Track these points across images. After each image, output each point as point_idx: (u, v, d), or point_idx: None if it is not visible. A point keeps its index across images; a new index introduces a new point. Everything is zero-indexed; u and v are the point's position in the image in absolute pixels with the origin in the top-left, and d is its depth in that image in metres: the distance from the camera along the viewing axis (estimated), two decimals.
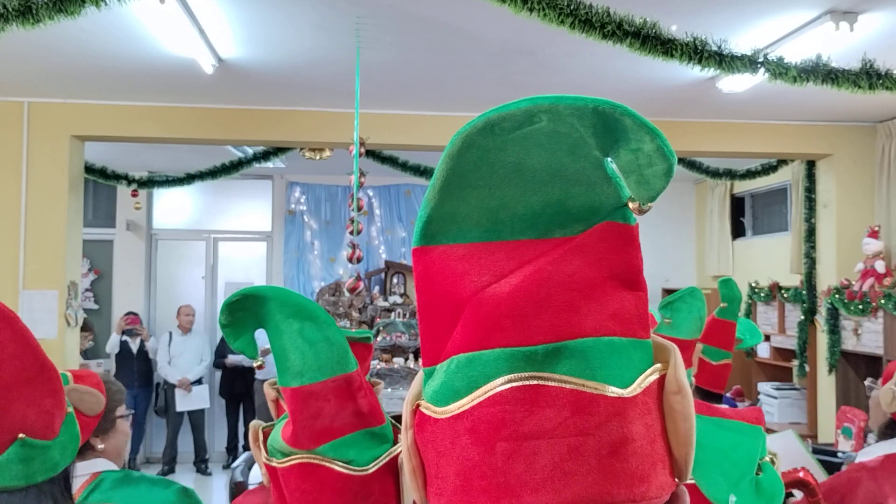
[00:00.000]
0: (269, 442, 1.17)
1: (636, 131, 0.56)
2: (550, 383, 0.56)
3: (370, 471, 1.12)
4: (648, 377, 0.59)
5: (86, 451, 1.82)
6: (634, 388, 0.58)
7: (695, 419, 0.61)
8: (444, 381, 0.60)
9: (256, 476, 3.59)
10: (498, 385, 0.57)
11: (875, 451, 1.96)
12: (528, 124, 0.57)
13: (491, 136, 0.58)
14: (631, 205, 0.59)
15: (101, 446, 1.84)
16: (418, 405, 0.63)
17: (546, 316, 0.58)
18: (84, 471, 1.78)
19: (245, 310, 1.13)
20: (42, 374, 1.16)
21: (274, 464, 1.14)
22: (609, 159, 0.58)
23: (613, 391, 0.57)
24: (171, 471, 7.42)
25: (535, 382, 0.57)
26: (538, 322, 0.58)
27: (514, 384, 0.57)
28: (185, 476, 7.29)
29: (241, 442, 7.76)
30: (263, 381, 7.52)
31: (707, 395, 2.46)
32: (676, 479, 0.62)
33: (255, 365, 1.21)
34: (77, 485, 1.71)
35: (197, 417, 7.49)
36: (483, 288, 0.60)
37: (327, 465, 1.11)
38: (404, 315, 7.60)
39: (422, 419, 0.62)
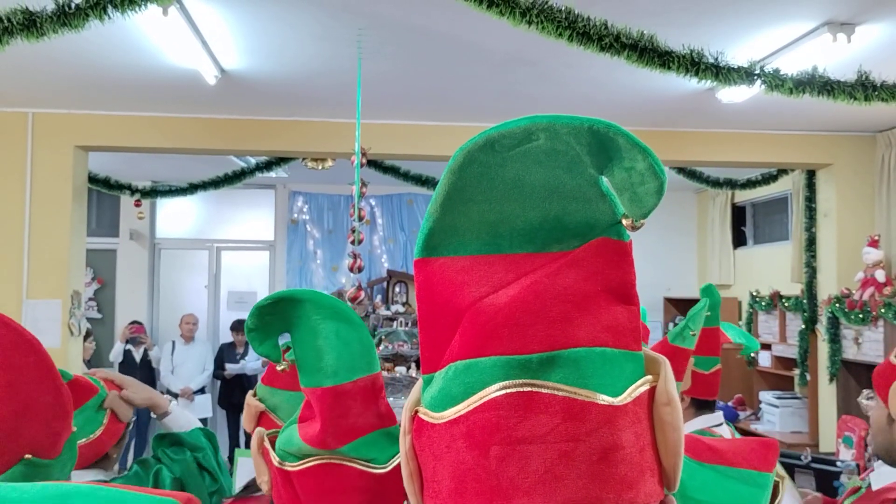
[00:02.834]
0: (280, 446, 1.18)
1: (629, 150, 0.58)
2: (544, 390, 0.58)
3: (389, 469, 1.15)
4: (639, 388, 0.61)
5: (107, 460, 1.82)
6: (625, 398, 0.60)
7: (683, 430, 0.62)
8: (441, 387, 0.62)
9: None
10: (493, 391, 0.59)
11: (887, 474, 1.85)
12: (527, 142, 0.59)
13: (491, 152, 0.60)
14: (624, 221, 0.61)
15: (115, 455, 1.85)
16: (417, 411, 0.65)
17: (541, 326, 0.59)
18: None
19: (275, 314, 1.14)
20: (57, 399, 1.19)
21: (287, 467, 1.16)
22: (603, 177, 0.61)
23: (604, 399, 0.59)
24: None
25: (528, 389, 0.58)
26: (533, 332, 0.59)
27: (509, 390, 0.58)
28: None
29: None
30: None
31: (701, 403, 2.45)
32: (665, 490, 0.63)
33: (279, 369, 1.23)
34: None
35: None
36: (481, 298, 0.61)
37: (348, 464, 1.13)
38: (406, 324, 7.60)
39: (420, 424, 0.64)
